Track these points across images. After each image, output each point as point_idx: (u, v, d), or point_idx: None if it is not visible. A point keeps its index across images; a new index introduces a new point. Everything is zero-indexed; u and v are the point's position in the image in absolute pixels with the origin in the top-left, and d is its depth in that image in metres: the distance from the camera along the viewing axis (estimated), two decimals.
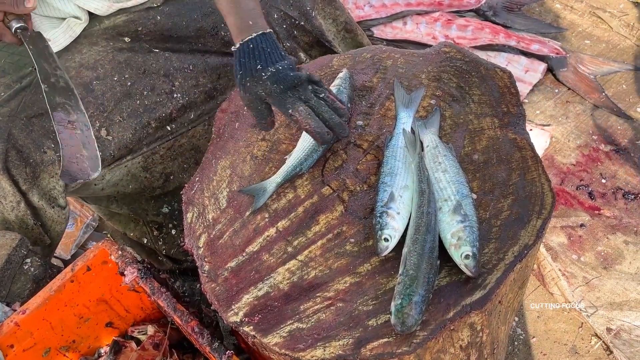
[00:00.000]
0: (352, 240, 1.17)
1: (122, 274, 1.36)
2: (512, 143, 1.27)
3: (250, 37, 1.16)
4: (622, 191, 1.85)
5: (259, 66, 1.14)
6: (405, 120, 1.26)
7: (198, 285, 1.77)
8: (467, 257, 1.04)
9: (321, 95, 1.16)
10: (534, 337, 1.58)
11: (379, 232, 1.09)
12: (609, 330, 1.56)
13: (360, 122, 1.35)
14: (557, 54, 2.20)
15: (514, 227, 1.13)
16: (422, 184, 1.12)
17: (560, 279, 1.62)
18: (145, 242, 1.81)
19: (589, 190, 1.86)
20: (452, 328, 1.05)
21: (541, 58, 2.21)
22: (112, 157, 1.48)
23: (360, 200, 1.22)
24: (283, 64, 1.14)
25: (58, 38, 1.42)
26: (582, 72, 2.18)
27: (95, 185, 1.53)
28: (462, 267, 1.05)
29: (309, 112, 1.13)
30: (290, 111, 1.13)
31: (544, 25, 2.37)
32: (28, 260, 1.40)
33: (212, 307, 1.40)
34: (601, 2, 2.45)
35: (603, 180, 1.89)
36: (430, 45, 2.32)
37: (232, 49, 1.19)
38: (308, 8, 1.60)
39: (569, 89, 2.16)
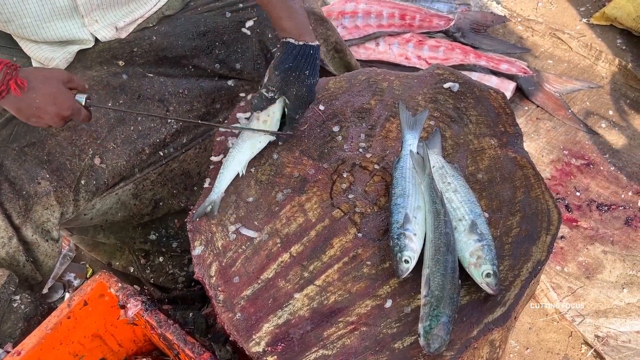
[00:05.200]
0: (369, 262, 1.17)
1: (123, 307, 1.30)
2: (513, 162, 1.31)
3: (312, 43, 1.28)
4: (596, 203, 1.95)
5: (307, 71, 1.27)
6: (412, 141, 1.28)
7: (191, 314, 1.73)
8: (488, 275, 1.06)
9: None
10: (527, 348, 1.63)
11: (399, 254, 1.09)
12: (597, 337, 1.62)
13: (362, 144, 1.37)
14: (525, 73, 2.31)
15: (525, 243, 1.17)
16: (436, 205, 1.14)
17: (550, 290, 1.68)
18: (131, 271, 1.73)
19: (566, 203, 1.95)
20: (475, 346, 1.06)
21: (510, 77, 2.31)
22: (106, 186, 1.42)
23: (373, 222, 1.23)
24: (316, 81, 1.31)
25: (59, 63, 1.41)
26: (548, 90, 2.29)
27: (84, 215, 1.47)
28: (483, 286, 1.07)
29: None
30: (297, 117, 1.30)
31: (509, 45, 2.48)
32: (17, 297, 1.32)
33: (226, 337, 1.36)
34: (559, 24, 2.59)
35: (577, 193, 1.98)
36: (403, 66, 2.40)
37: (291, 40, 1.27)
38: None
39: (538, 106, 2.26)
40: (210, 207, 1.25)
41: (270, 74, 1.29)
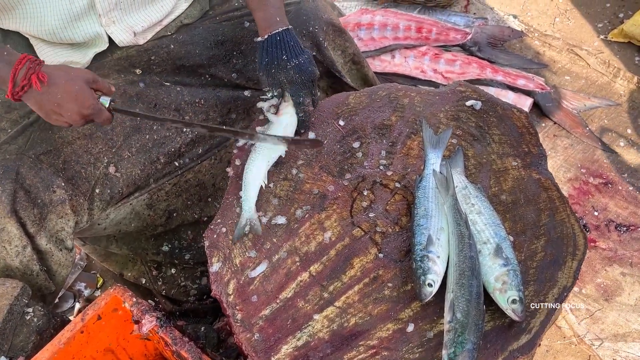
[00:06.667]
0: (390, 284, 1.14)
1: (137, 322, 1.28)
2: (537, 183, 1.28)
3: (277, 30, 1.31)
4: (614, 223, 1.91)
5: (284, 56, 1.30)
6: (434, 160, 1.26)
7: (202, 328, 1.70)
8: (514, 301, 1.03)
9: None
10: None
11: (422, 277, 1.07)
12: None
13: (383, 161, 1.34)
14: (542, 89, 2.28)
15: (550, 269, 1.14)
16: (460, 227, 1.12)
17: (568, 312, 1.65)
18: (143, 282, 1.72)
19: (583, 222, 1.92)
20: None
21: (527, 93, 2.29)
22: (120, 195, 1.41)
23: (394, 243, 1.20)
24: (304, 58, 1.31)
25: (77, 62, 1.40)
26: (565, 107, 2.26)
27: (98, 224, 1.45)
28: (509, 312, 1.04)
29: (311, 107, 1.35)
30: (301, 99, 1.32)
31: (526, 60, 2.45)
32: (30, 309, 1.30)
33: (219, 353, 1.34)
34: (577, 40, 2.57)
35: (595, 213, 1.95)
36: (418, 79, 2.38)
37: (258, 39, 1.33)
38: (320, 39, 1.59)
39: (555, 123, 2.24)
40: (249, 226, 1.23)
41: (260, 79, 1.35)
